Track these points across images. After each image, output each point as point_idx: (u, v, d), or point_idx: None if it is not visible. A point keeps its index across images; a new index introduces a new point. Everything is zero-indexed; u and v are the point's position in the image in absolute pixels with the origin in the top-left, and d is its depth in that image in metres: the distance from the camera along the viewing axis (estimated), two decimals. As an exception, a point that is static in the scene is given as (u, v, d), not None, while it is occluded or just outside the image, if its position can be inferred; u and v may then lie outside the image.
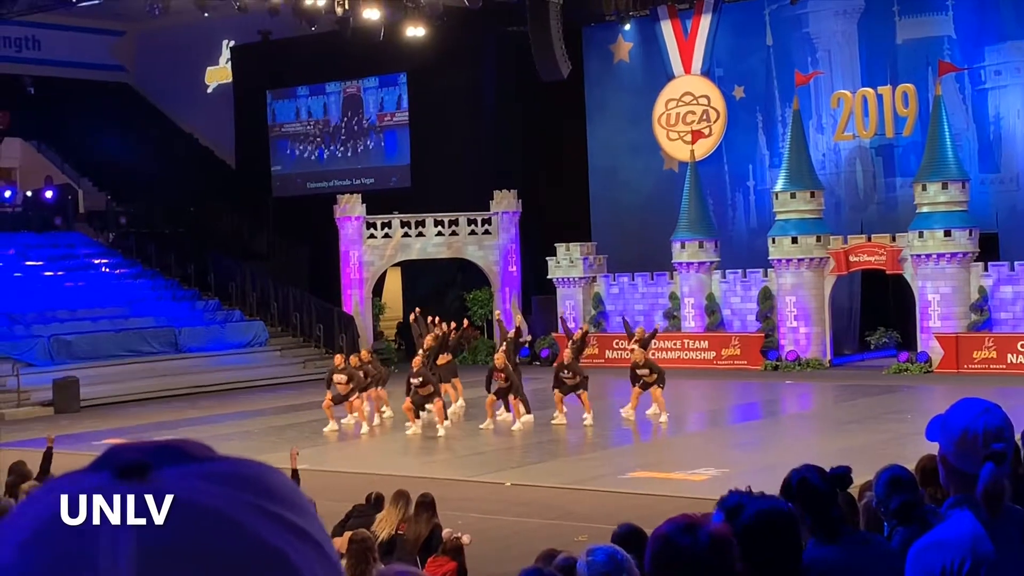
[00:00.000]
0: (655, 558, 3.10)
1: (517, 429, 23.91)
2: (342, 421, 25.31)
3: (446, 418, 24.39)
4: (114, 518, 0.95)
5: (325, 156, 45.16)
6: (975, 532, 3.43)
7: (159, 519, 0.95)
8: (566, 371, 24.33)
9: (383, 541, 11.52)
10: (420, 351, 25.34)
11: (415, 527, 11.48)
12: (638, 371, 24.41)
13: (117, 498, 0.96)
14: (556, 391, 24.43)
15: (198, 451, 1.03)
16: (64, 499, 0.96)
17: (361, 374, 25.32)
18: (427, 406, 24.40)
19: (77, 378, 31.03)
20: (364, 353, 26.94)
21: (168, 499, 0.96)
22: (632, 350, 25.35)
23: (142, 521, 0.95)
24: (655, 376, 24.26)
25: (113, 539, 0.95)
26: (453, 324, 28.05)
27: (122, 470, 0.99)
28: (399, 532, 11.56)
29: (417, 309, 28.85)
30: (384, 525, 11.77)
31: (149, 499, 0.96)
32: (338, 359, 25.86)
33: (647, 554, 3.14)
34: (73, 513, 0.96)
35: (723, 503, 3.78)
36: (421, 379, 23.89)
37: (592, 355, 34.14)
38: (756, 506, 3.60)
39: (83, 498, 0.96)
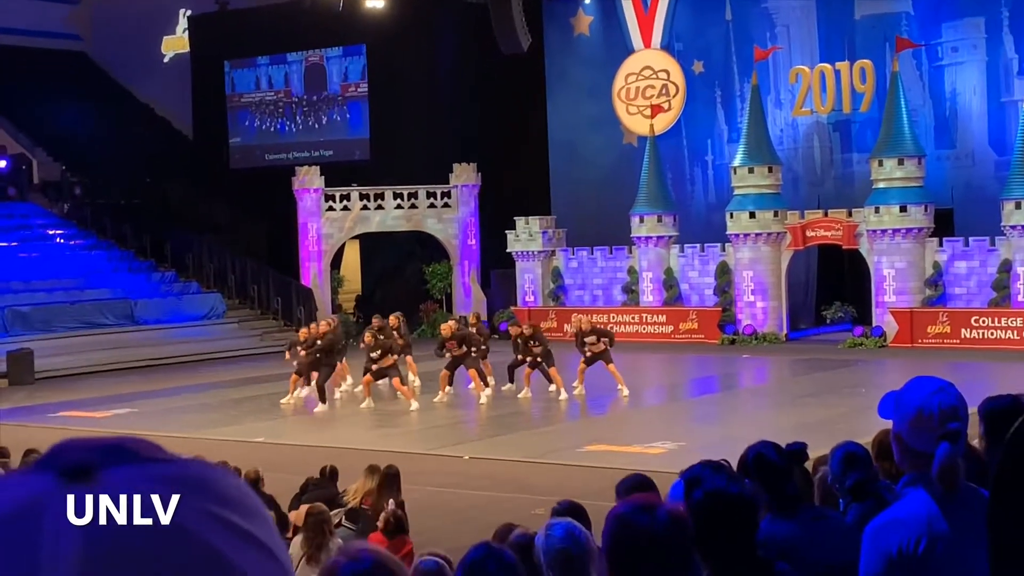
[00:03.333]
0: (612, 538, 3.11)
1: (483, 402, 23.89)
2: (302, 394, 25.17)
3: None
4: (61, 519, 0.94)
5: (285, 128, 44.86)
6: (930, 511, 3.46)
7: (104, 520, 0.94)
8: (533, 341, 24.24)
9: (351, 509, 11.51)
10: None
11: (379, 501, 11.45)
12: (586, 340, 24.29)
13: (69, 499, 0.94)
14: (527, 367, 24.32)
15: (146, 451, 1.01)
16: (10, 501, 0.95)
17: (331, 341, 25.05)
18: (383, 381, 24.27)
19: (32, 350, 30.78)
20: (324, 324, 26.57)
21: (120, 504, 0.95)
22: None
23: (86, 521, 0.95)
24: (601, 345, 24.06)
25: (56, 539, 0.94)
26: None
27: (67, 472, 0.97)
28: (364, 506, 11.54)
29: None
30: (356, 495, 11.74)
31: (97, 499, 0.95)
32: (303, 333, 25.71)
33: (604, 534, 3.15)
34: (20, 514, 0.95)
35: (684, 473, 3.81)
36: (380, 351, 23.79)
37: (550, 328, 34.16)
38: (712, 484, 3.60)
39: (29, 500, 0.95)
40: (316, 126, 44.08)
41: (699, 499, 3.55)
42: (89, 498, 0.95)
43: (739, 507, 3.59)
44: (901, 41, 33.24)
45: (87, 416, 23.93)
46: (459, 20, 40.30)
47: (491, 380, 25.11)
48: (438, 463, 18.07)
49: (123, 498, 0.95)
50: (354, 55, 42.99)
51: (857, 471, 5.46)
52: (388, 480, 11.75)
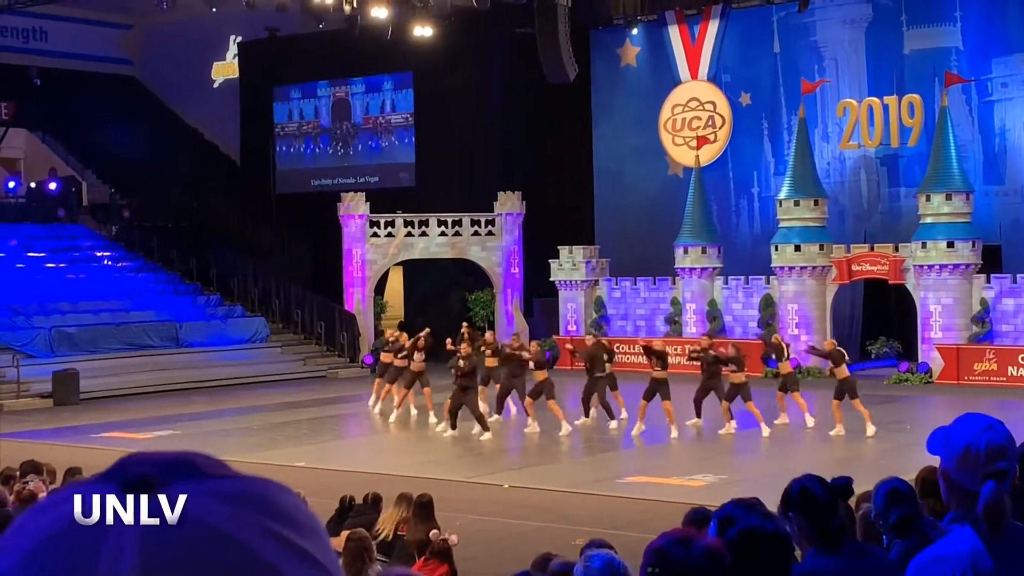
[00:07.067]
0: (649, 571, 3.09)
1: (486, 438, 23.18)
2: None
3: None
4: (123, 521, 0.96)
5: (330, 154, 45.13)
6: (975, 548, 3.42)
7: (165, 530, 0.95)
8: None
9: (384, 541, 11.49)
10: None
11: (416, 530, 11.44)
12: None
13: (127, 509, 0.96)
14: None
15: (209, 467, 1.02)
16: (77, 501, 0.97)
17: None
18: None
19: (77, 370, 31.03)
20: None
21: (176, 514, 0.96)
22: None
23: (150, 525, 0.96)
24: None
25: (117, 550, 0.95)
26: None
27: (129, 485, 0.98)
28: (400, 533, 11.53)
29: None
30: (387, 526, 11.76)
31: (156, 512, 0.96)
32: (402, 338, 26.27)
33: (642, 566, 3.13)
34: (86, 513, 0.97)
35: (716, 513, 3.79)
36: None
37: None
38: (745, 523, 3.58)
39: (96, 504, 0.96)
40: (362, 152, 44.32)
41: (732, 538, 3.52)
42: (148, 510, 0.97)
43: (774, 545, 3.57)
44: (950, 76, 33.03)
45: (130, 437, 24.07)
46: (506, 49, 40.43)
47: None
48: (478, 491, 18.03)
49: (181, 512, 0.97)
50: (402, 82, 43.23)
51: (901, 507, 5.40)
52: (423, 509, 11.75)
